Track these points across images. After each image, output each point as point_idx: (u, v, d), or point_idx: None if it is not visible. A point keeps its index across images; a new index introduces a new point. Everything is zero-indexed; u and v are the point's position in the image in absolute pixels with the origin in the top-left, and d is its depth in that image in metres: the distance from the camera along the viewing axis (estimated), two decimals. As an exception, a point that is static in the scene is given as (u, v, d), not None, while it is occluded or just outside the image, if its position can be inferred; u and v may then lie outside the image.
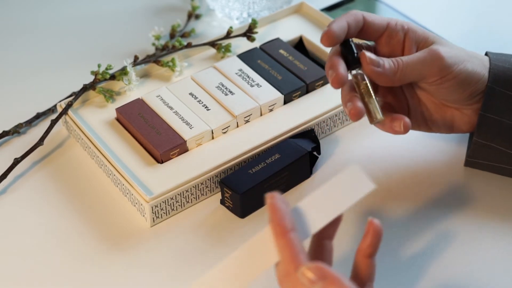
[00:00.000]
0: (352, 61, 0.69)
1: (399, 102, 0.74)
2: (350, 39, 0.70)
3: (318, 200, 0.59)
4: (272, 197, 0.58)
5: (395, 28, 0.72)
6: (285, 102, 0.82)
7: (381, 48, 0.73)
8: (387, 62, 0.69)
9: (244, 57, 0.86)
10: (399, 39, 0.72)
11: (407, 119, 0.70)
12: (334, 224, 0.61)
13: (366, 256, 0.60)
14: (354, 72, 0.70)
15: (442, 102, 0.73)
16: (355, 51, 0.70)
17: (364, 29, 0.71)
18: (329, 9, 1.00)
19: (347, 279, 0.55)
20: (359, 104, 0.68)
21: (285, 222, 0.57)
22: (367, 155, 0.80)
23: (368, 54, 0.69)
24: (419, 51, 0.71)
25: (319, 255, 0.61)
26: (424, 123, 0.75)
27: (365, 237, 0.60)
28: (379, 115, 0.69)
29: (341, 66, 0.68)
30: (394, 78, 0.69)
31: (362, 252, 0.60)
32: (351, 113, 0.68)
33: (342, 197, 0.59)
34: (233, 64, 0.85)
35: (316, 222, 0.59)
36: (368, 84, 0.69)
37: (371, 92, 0.69)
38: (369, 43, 0.74)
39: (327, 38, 0.69)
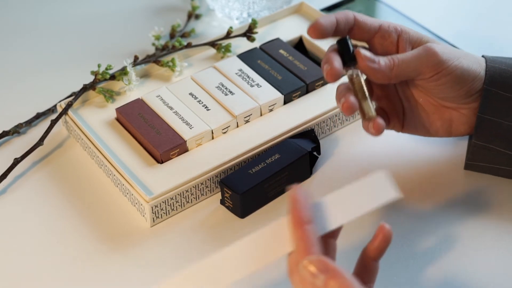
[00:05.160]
0: (348, 58, 0.69)
1: (393, 106, 0.74)
2: (347, 37, 0.70)
3: (341, 199, 0.59)
4: (294, 189, 0.59)
5: (388, 29, 0.72)
6: (285, 102, 0.82)
7: (375, 50, 0.72)
8: (382, 60, 0.69)
9: (244, 57, 0.86)
10: (392, 40, 0.72)
11: (379, 121, 0.69)
12: None
13: (372, 258, 0.60)
14: (350, 72, 0.70)
15: (440, 102, 0.73)
16: (351, 48, 0.70)
17: (355, 29, 0.71)
18: (329, 9, 1.00)
19: (349, 274, 0.55)
20: (352, 98, 0.68)
21: (303, 214, 0.57)
22: (367, 156, 0.80)
23: (363, 51, 0.69)
24: (414, 49, 0.71)
25: (323, 253, 0.61)
26: (421, 126, 0.75)
27: (373, 240, 0.60)
28: (371, 112, 0.69)
29: (336, 61, 0.69)
30: (390, 74, 0.69)
31: (368, 254, 0.60)
32: (343, 106, 0.68)
33: (364, 200, 0.59)
34: (233, 64, 0.85)
35: (335, 220, 0.59)
36: (363, 82, 0.69)
37: (365, 89, 0.69)
38: (366, 45, 0.74)
39: (314, 30, 0.69)
